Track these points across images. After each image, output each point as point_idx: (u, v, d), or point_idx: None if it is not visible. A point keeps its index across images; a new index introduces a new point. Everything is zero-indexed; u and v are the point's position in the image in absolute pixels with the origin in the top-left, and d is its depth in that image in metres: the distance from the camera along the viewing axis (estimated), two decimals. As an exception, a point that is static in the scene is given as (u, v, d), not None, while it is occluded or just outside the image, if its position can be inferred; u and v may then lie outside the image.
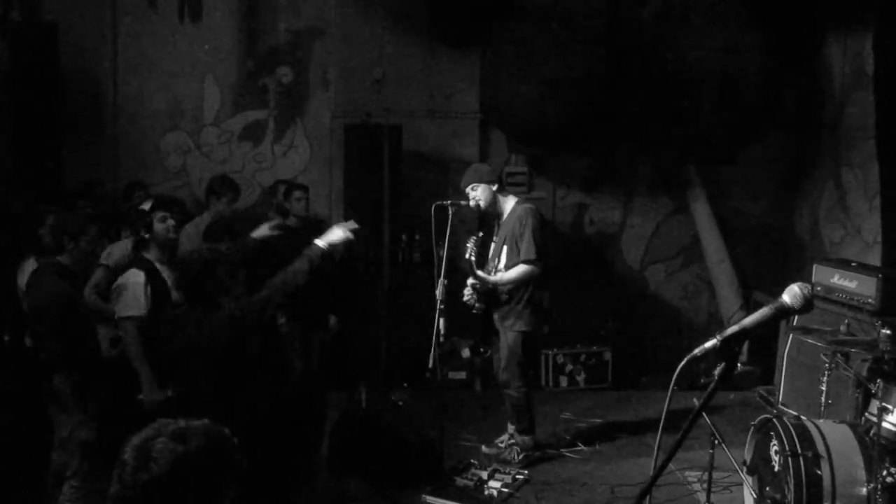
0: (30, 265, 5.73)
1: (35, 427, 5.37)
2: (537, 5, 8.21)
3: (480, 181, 6.38)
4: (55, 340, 5.18)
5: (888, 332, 5.00)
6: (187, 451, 2.11)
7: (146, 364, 5.36)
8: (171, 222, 5.86)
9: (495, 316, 6.50)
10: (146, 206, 6.56)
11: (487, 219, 6.99)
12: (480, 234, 6.34)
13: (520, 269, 6.29)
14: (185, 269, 5.03)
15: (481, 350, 7.65)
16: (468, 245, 6.16)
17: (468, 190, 6.41)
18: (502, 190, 6.51)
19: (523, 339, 6.42)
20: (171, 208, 6.05)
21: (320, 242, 4.78)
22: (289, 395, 6.30)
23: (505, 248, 6.37)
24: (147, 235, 5.75)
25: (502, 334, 6.49)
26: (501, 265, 6.38)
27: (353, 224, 4.79)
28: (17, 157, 7.86)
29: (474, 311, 6.48)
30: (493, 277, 6.32)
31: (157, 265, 5.63)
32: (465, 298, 6.43)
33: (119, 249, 6.29)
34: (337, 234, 4.75)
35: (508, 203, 6.48)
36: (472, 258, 6.15)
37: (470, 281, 6.32)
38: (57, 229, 5.37)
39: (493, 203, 6.43)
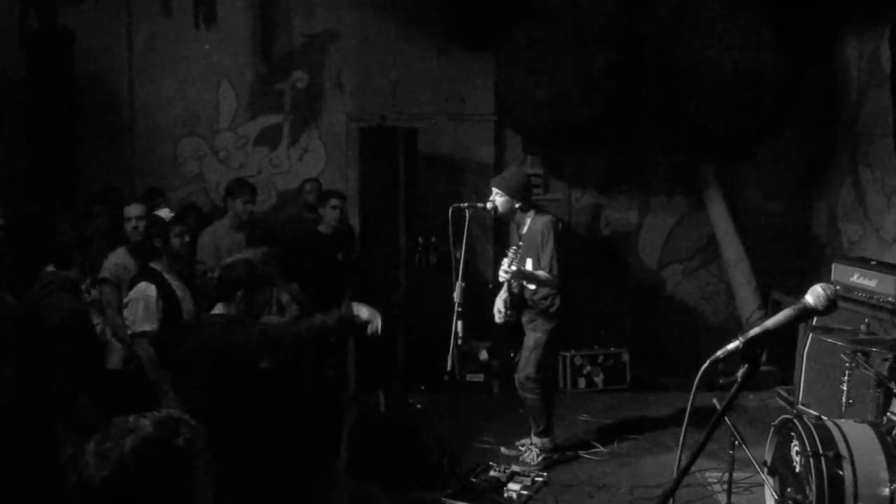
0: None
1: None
2: (551, 6, 8.20)
3: (504, 191, 6.34)
4: (73, 357, 5.01)
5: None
6: (134, 445, 2.10)
7: (166, 375, 5.29)
8: (186, 238, 5.88)
9: (524, 319, 6.51)
10: (163, 213, 6.57)
11: (503, 222, 6.97)
12: (518, 245, 6.32)
13: (543, 274, 6.29)
14: (225, 278, 4.97)
15: (511, 355, 7.61)
16: (509, 255, 6.14)
17: (493, 189, 6.40)
18: (526, 209, 6.46)
19: (546, 340, 6.41)
20: (188, 222, 6.07)
21: (358, 312, 4.61)
22: (304, 398, 6.33)
23: (529, 260, 6.35)
24: (159, 244, 5.73)
25: (527, 335, 6.50)
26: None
27: (379, 320, 4.63)
28: (34, 163, 7.90)
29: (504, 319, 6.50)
30: (525, 270, 6.28)
31: (167, 276, 5.60)
32: (498, 319, 6.46)
33: (114, 259, 6.05)
34: (365, 314, 4.60)
35: (528, 216, 6.44)
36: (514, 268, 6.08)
37: (502, 296, 6.34)
38: (64, 245, 5.30)
39: (510, 214, 6.41)
